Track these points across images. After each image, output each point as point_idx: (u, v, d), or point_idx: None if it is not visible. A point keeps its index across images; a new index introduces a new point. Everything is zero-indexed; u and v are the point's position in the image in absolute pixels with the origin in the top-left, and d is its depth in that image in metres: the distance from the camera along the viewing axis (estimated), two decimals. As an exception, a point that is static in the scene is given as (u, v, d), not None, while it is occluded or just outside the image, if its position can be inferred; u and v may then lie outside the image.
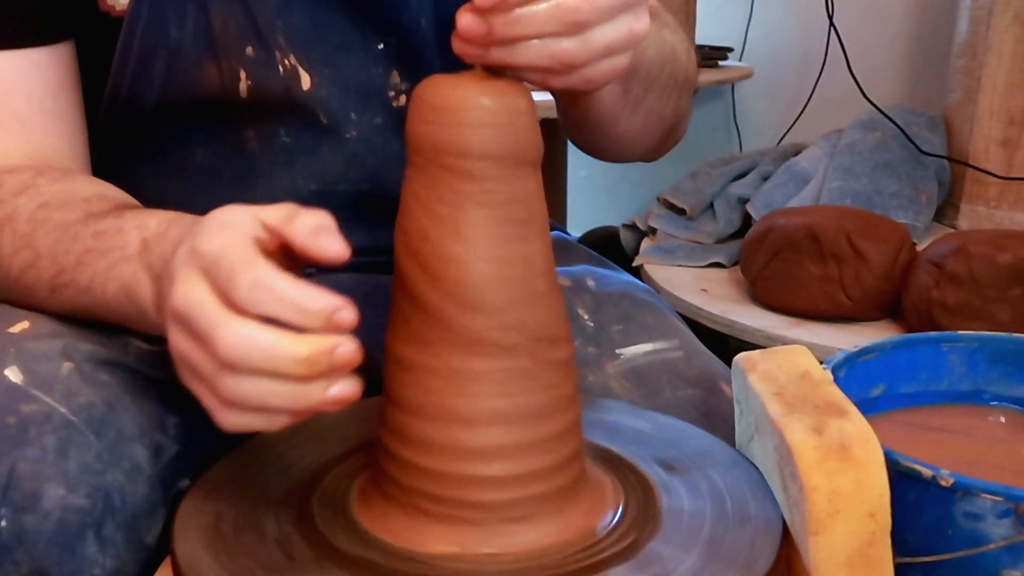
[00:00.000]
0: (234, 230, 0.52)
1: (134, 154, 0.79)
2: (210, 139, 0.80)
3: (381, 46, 0.81)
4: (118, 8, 0.74)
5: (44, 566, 0.61)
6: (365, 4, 0.79)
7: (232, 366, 0.50)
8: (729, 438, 0.78)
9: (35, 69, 0.73)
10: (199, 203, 0.70)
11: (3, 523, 0.60)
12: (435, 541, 0.58)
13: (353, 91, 0.80)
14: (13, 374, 0.63)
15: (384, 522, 0.59)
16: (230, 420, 0.53)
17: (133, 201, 0.70)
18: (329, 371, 0.50)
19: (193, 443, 0.69)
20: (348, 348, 0.49)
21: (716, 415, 0.80)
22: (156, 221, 0.63)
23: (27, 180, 0.70)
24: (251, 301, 0.49)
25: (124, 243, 0.63)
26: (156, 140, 0.80)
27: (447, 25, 0.85)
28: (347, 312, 0.49)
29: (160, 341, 0.69)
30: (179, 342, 0.53)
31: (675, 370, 0.83)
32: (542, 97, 0.94)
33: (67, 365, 0.64)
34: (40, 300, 0.68)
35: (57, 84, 0.74)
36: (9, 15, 0.72)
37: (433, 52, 0.83)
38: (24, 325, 0.66)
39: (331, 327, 0.49)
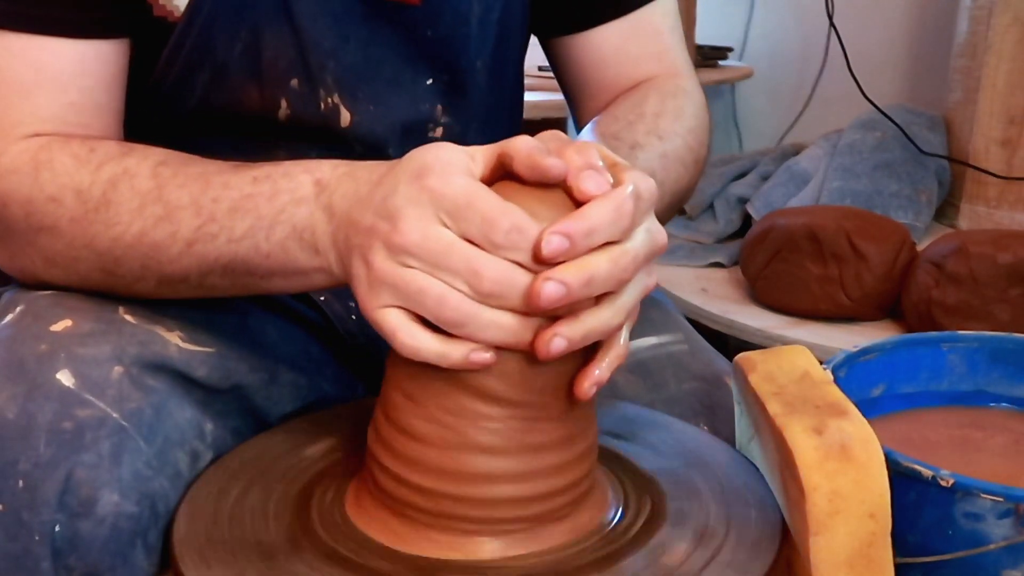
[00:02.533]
0: (466, 173, 0.54)
1: None
2: (240, 151, 0.79)
3: (430, 81, 0.81)
4: (176, 14, 0.73)
5: (97, 572, 0.61)
6: (425, 44, 0.79)
7: (487, 298, 0.53)
8: (733, 430, 0.78)
9: (94, 62, 0.72)
10: None
11: (58, 528, 0.60)
12: (438, 549, 0.58)
13: (395, 126, 0.80)
14: (66, 378, 0.62)
15: (385, 529, 0.59)
16: (426, 345, 0.54)
17: None
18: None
19: (224, 451, 0.70)
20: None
21: (720, 408, 0.80)
22: (330, 165, 0.63)
23: (124, 145, 0.69)
24: (509, 244, 0.52)
25: (294, 185, 0.62)
26: (186, 144, 0.79)
27: (502, 68, 0.86)
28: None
29: (199, 339, 0.70)
30: (409, 274, 0.54)
31: (680, 363, 0.83)
32: (546, 97, 0.94)
33: (117, 369, 0.64)
34: (170, 258, 0.66)
35: (111, 80, 0.74)
36: (75, 3, 0.70)
37: (482, 91, 0.84)
38: (67, 323, 0.66)
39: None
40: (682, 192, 0.81)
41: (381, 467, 0.59)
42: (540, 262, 0.52)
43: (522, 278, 0.52)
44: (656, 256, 0.57)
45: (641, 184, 0.55)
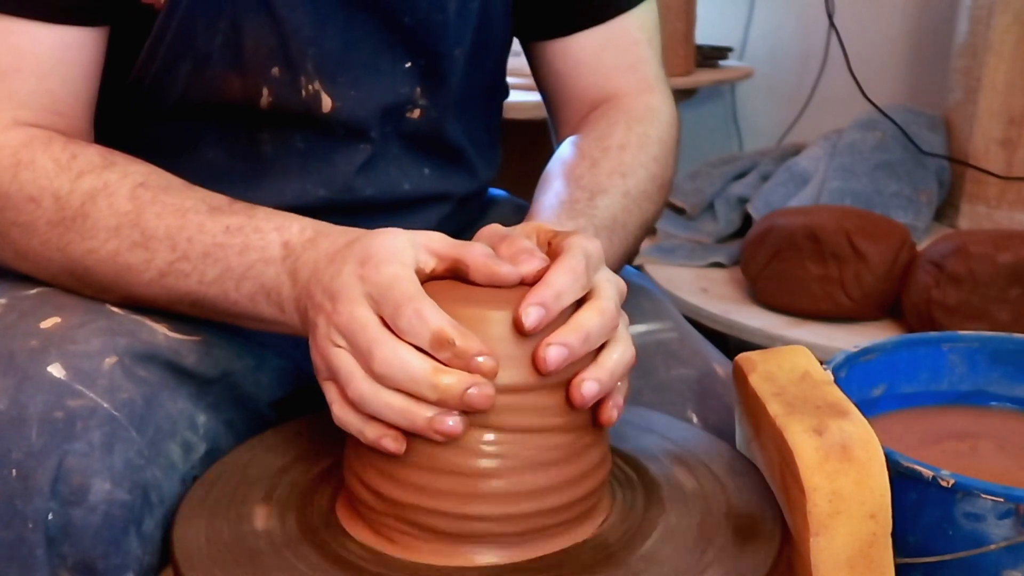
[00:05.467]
0: (400, 263, 0.57)
1: (145, 143, 0.79)
2: (224, 138, 0.80)
3: (409, 65, 0.81)
4: (162, 1, 0.73)
5: (90, 559, 0.62)
6: (402, 30, 0.80)
7: (379, 378, 0.55)
8: (723, 418, 0.78)
9: (76, 50, 0.72)
10: None
11: (51, 516, 0.61)
12: (443, 558, 0.57)
13: (376, 110, 0.81)
14: (56, 370, 0.63)
15: (373, 538, 0.59)
16: (349, 420, 0.57)
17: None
18: (459, 405, 0.54)
19: (218, 443, 0.70)
20: (481, 392, 0.54)
21: (709, 395, 0.81)
22: (298, 227, 0.65)
23: (105, 156, 0.70)
24: (409, 330, 0.55)
25: (264, 244, 0.65)
26: (170, 133, 0.80)
27: (482, 59, 0.87)
28: (489, 360, 0.55)
29: (186, 328, 0.71)
30: (336, 352, 0.57)
31: (669, 350, 0.84)
32: (532, 97, 0.95)
33: (108, 360, 0.65)
34: (141, 282, 0.68)
35: (90, 69, 0.74)
36: None
37: (460, 79, 0.85)
38: (56, 320, 0.67)
39: (471, 368, 0.55)
40: (648, 222, 0.84)
41: (364, 485, 0.59)
42: (524, 335, 0.56)
43: (415, 362, 0.55)
44: (623, 299, 0.61)
45: (587, 245, 0.60)
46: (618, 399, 0.61)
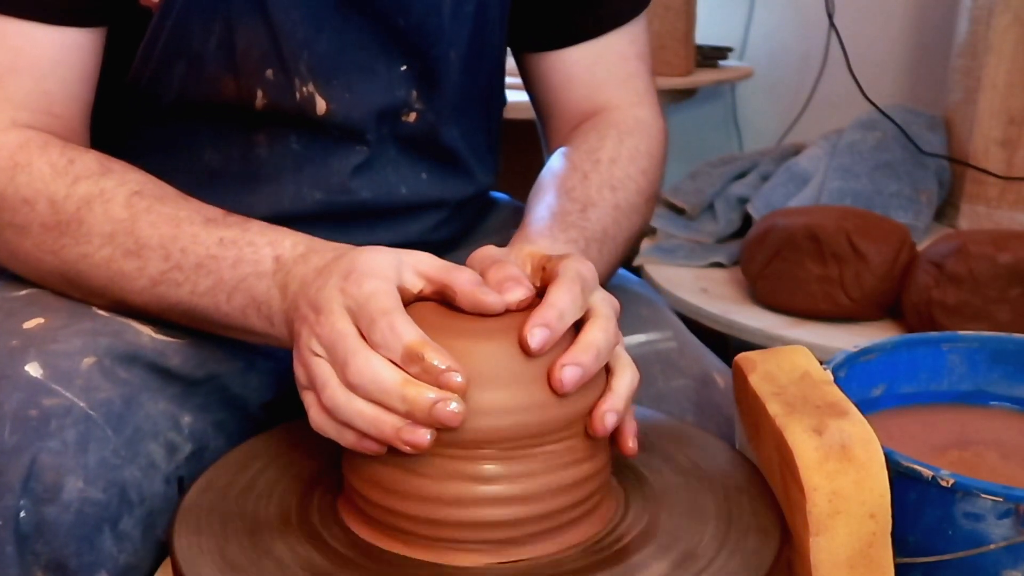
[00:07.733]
0: (382, 278, 0.58)
1: (141, 144, 0.79)
2: (220, 139, 0.80)
3: (404, 67, 0.82)
4: (158, 2, 0.74)
5: (63, 557, 0.62)
6: (397, 33, 0.80)
7: (352, 388, 0.56)
8: (721, 429, 0.78)
9: (74, 52, 0.73)
10: (202, 200, 0.70)
11: (23, 514, 0.62)
12: (440, 556, 0.58)
13: (371, 112, 0.81)
14: (34, 369, 0.64)
15: (373, 536, 0.59)
16: (326, 426, 0.58)
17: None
18: (427, 418, 0.54)
19: (205, 444, 0.70)
20: (449, 408, 0.54)
21: (709, 405, 0.81)
22: (291, 242, 0.66)
23: (102, 163, 0.70)
24: (383, 342, 0.55)
25: (257, 258, 0.65)
26: (166, 135, 0.80)
27: (478, 63, 0.87)
28: (458, 377, 0.54)
29: (172, 331, 0.71)
30: (315, 362, 0.58)
31: (668, 360, 0.84)
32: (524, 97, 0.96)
33: (87, 361, 0.65)
34: (133, 289, 0.68)
35: (87, 71, 0.74)
36: None
37: (456, 82, 0.85)
38: (39, 320, 0.67)
39: (440, 384, 0.54)
40: (636, 235, 0.85)
41: (363, 497, 0.59)
42: (531, 355, 0.56)
43: (385, 373, 0.55)
44: (618, 316, 0.62)
45: (581, 268, 0.61)
46: (632, 425, 0.62)
